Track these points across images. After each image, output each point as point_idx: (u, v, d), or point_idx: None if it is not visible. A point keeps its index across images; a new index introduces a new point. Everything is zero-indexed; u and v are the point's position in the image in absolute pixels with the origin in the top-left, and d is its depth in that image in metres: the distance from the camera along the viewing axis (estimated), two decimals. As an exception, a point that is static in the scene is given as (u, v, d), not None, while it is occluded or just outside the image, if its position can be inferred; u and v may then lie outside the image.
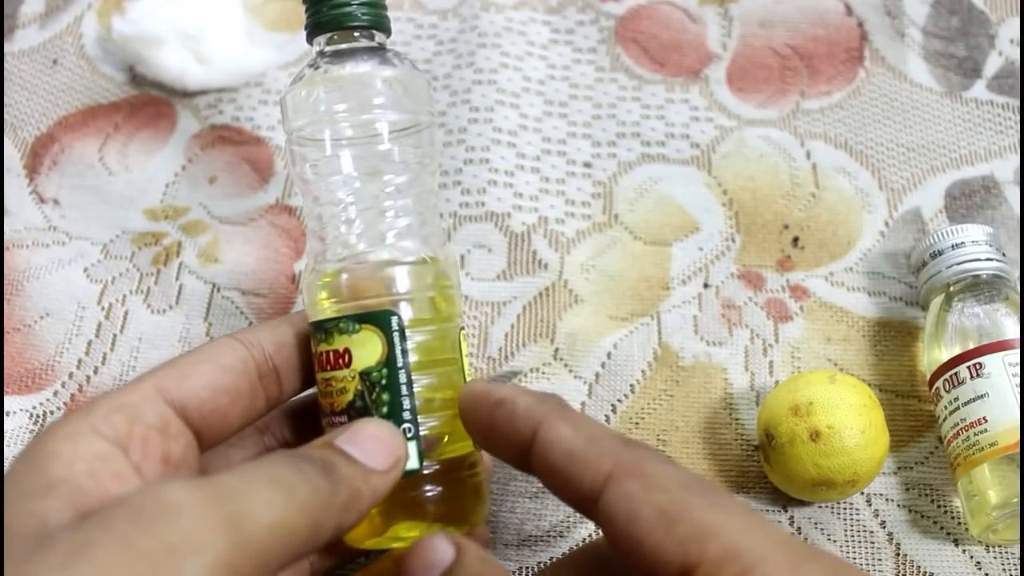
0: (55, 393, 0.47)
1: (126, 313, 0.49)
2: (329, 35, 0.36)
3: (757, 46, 0.56)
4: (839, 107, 0.53)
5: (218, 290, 0.49)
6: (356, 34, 0.36)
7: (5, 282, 0.50)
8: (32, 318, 0.49)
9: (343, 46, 0.36)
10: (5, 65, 0.58)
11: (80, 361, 0.47)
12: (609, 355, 0.46)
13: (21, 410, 0.46)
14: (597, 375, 0.46)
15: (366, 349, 0.33)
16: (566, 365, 0.46)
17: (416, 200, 0.36)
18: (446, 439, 0.34)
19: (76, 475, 0.27)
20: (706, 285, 0.48)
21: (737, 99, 0.54)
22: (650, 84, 0.55)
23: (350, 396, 0.33)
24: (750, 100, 0.54)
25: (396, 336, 0.33)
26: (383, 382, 0.33)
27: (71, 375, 0.47)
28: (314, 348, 0.34)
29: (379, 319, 0.33)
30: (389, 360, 0.33)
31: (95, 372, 0.47)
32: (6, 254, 0.51)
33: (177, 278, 0.49)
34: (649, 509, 0.26)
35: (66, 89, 0.57)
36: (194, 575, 0.23)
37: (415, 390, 0.33)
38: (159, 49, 0.54)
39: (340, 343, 0.33)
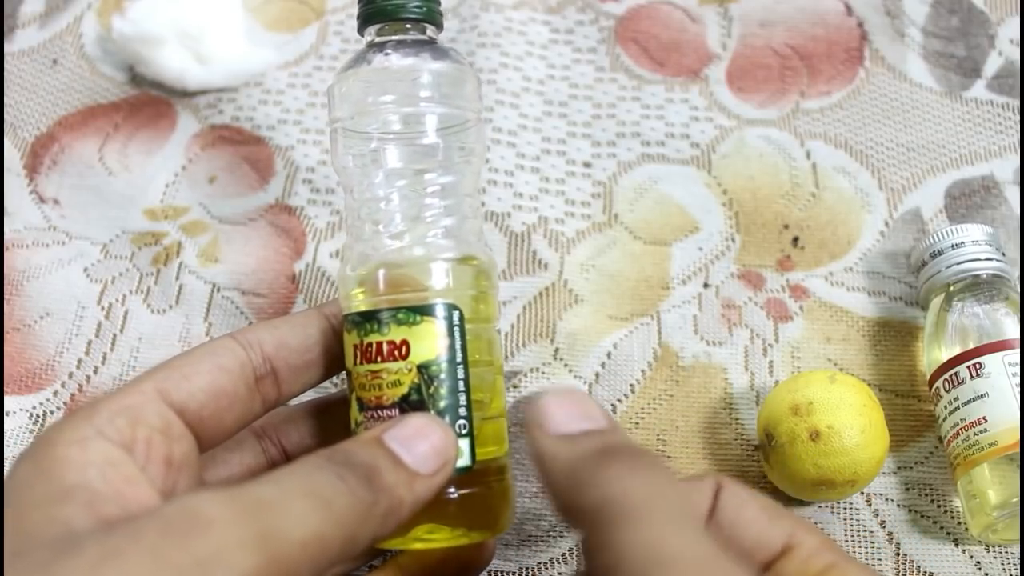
0: (55, 393, 0.47)
1: (126, 313, 0.49)
2: (380, 26, 0.36)
3: (757, 46, 0.56)
4: (839, 107, 0.53)
5: (218, 290, 0.49)
6: (407, 26, 0.35)
7: (5, 282, 0.50)
8: (32, 318, 0.49)
9: (393, 38, 0.35)
10: (5, 65, 0.58)
11: (80, 361, 0.47)
12: (609, 355, 0.46)
13: (21, 410, 0.46)
14: (597, 375, 0.46)
15: (425, 342, 0.33)
16: (566, 365, 0.46)
17: (459, 198, 0.36)
18: (476, 442, 0.33)
19: (90, 480, 0.26)
20: (706, 285, 0.48)
21: (737, 99, 0.54)
22: (650, 84, 0.55)
23: (404, 389, 0.32)
24: (750, 100, 0.54)
25: (457, 331, 0.33)
26: (442, 376, 0.32)
27: (71, 375, 0.47)
28: (357, 339, 0.33)
29: (442, 312, 0.33)
30: (450, 354, 0.33)
31: (95, 372, 0.47)
32: (6, 254, 0.51)
33: (177, 278, 0.49)
34: (756, 505, 0.30)
35: (66, 89, 0.57)
36: None
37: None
38: (159, 49, 0.54)
39: (397, 334, 0.33)
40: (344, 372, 0.35)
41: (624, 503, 0.25)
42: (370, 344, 0.33)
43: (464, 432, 0.32)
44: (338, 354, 0.35)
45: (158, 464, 0.29)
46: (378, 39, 0.36)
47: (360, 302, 0.34)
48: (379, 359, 0.33)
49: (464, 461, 0.32)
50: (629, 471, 0.26)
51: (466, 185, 0.36)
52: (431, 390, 0.32)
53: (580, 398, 0.30)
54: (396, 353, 0.33)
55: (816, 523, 0.41)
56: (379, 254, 0.34)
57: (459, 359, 0.33)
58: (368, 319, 0.33)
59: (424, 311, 0.33)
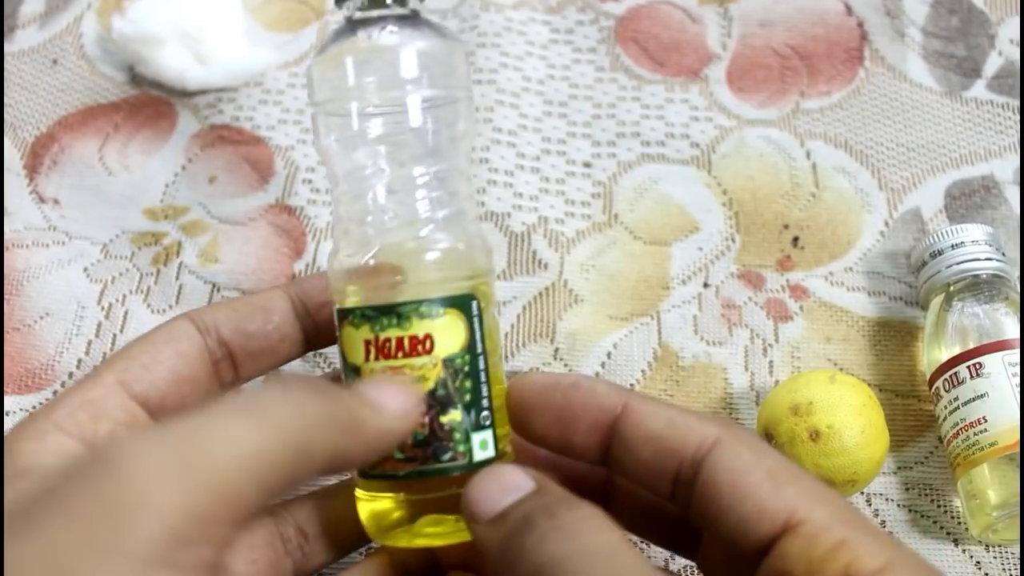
0: (55, 393, 0.46)
1: (126, 313, 0.49)
2: (359, 1, 0.34)
3: (757, 46, 0.56)
4: (839, 107, 0.53)
5: (218, 290, 0.49)
6: (388, 1, 0.34)
7: (5, 282, 0.50)
8: (32, 318, 0.49)
9: (373, 13, 0.34)
10: (5, 65, 0.58)
11: (80, 361, 0.47)
12: (609, 355, 0.46)
13: (21, 410, 0.46)
14: (597, 375, 0.46)
15: (449, 335, 0.32)
16: (566, 365, 0.46)
17: (449, 182, 0.34)
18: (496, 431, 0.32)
19: (44, 464, 0.26)
20: (706, 285, 0.48)
21: (737, 99, 0.54)
22: (650, 84, 0.55)
23: (431, 384, 0.31)
24: (750, 100, 0.54)
25: (476, 321, 0.32)
26: (466, 369, 0.32)
27: (71, 375, 0.47)
28: (370, 334, 0.32)
29: (462, 303, 0.32)
30: (471, 346, 0.32)
31: (95, 372, 0.47)
32: (6, 254, 0.51)
33: (177, 278, 0.49)
34: (760, 469, 0.27)
35: (66, 89, 0.57)
36: (149, 531, 0.21)
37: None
38: (159, 49, 0.54)
39: (421, 328, 0.31)
40: (331, 365, 0.34)
41: (552, 571, 0.24)
42: (388, 339, 0.32)
43: (487, 424, 0.32)
44: (299, 339, 0.34)
45: None
46: (357, 15, 0.34)
47: (366, 296, 0.33)
48: (400, 354, 0.32)
49: (488, 453, 0.32)
50: (553, 534, 0.25)
51: (455, 167, 0.35)
52: (457, 384, 0.32)
53: (498, 471, 0.29)
54: (420, 347, 0.31)
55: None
56: (368, 247, 0.33)
57: (479, 350, 0.32)
58: (385, 313, 0.32)
59: (446, 303, 0.32)
